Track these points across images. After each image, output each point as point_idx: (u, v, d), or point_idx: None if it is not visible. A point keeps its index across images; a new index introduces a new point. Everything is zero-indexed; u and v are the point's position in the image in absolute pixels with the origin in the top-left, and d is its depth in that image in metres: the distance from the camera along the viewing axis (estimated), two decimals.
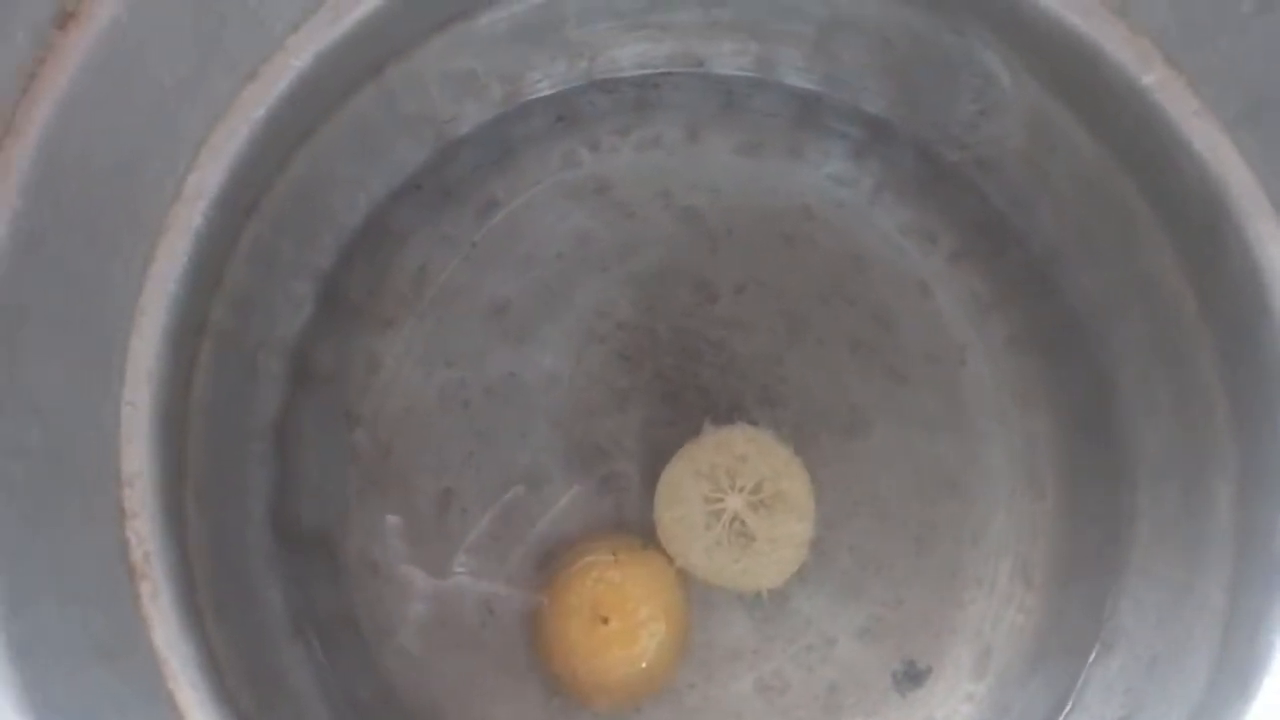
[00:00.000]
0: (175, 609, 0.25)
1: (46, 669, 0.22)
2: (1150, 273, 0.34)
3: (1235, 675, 0.29)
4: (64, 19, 0.24)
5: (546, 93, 0.38)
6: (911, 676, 0.36)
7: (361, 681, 0.35)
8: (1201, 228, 0.30)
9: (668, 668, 0.34)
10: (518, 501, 0.36)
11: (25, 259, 0.23)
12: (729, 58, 0.38)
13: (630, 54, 0.38)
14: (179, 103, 0.26)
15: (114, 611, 0.24)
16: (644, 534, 0.35)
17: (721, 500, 0.34)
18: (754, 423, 0.36)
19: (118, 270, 0.26)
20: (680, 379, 0.37)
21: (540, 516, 0.36)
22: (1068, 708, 0.34)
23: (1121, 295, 0.35)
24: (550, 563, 0.35)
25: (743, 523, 0.34)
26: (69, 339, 0.25)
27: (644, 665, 0.33)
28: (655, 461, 0.35)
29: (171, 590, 0.25)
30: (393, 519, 0.36)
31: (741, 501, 0.34)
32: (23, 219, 0.23)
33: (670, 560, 0.34)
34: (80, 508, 0.25)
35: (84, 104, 0.24)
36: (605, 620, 0.33)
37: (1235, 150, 0.28)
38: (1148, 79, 0.29)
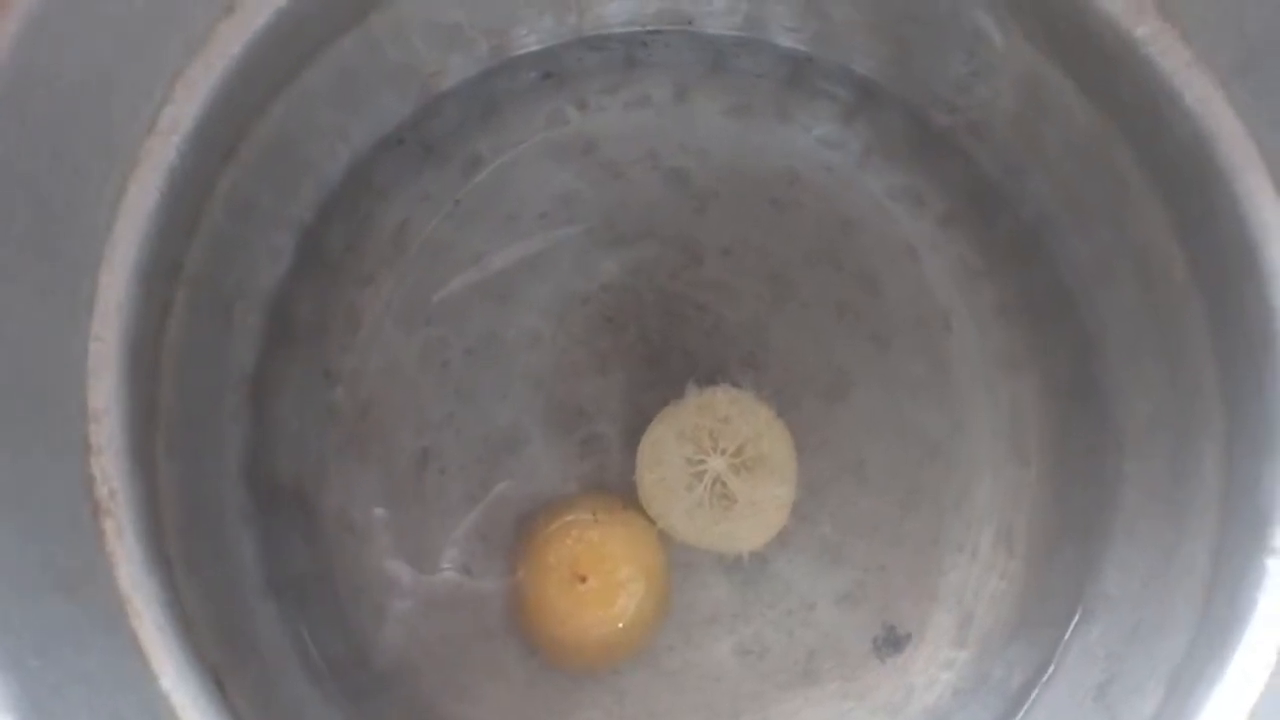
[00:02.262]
0: (140, 548, 0.24)
1: (2, 597, 0.21)
2: (1140, 237, 0.33)
3: (1215, 636, 0.28)
4: None
5: (534, 48, 0.37)
6: (892, 642, 0.35)
7: (335, 640, 0.34)
8: (1192, 186, 0.30)
9: (646, 629, 0.34)
10: (504, 479, 0.35)
11: None
12: (719, 16, 0.37)
13: (619, 10, 0.37)
14: (153, 29, 0.26)
15: (76, 547, 0.24)
16: (625, 496, 0.35)
17: (703, 462, 0.34)
18: (737, 386, 0.35)
19: (88, 199, 0.25)
20: (664, 341, 0.37)
21: (524, 486, 0.36)
22: (1048, 672, 0.34)
23: (1111, 260, 0.35)
24: (528, 523, 0.35)
25: (724, 485, 0.34)
26: (35, 265, 0.24)
27: (622, 626, 0.33)
28: (637, 424, 0.35)
29: (136, 529, 0.25)
30: (374, 498, 0.35)
31: (724, 463, 0.34)
32: None
33: (651, 521, 0.34)
34: (43, 439, 0.24)
35: (53, 19, 0.23)
36: (583, 579, 0.33)
37: (1228, 103, 0.28)
38: (1140, 30, 0.29)
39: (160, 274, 0.28)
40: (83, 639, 0.23)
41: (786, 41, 0.38)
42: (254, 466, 0.34)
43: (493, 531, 0.35)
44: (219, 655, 0.28)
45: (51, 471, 0.24)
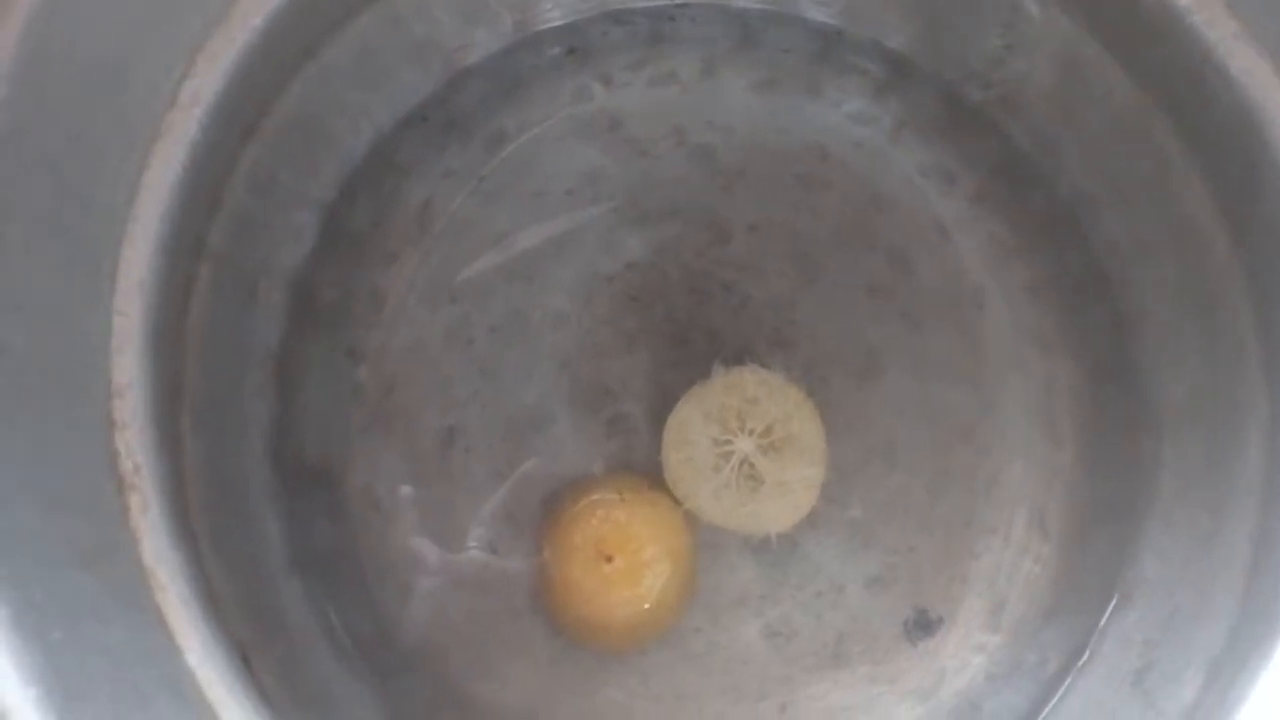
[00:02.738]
0: (165, 523, 0.24)
1: (25, 570, 0.21)
2: (1181, 214, 0.33)
3: (1258, 627, 0.28)
4: None
5: (558, 23, 0.37)
6: (923, 626, 0.35)
7: (361, 618, 0.34)
8: (1236, 161, 0.29)
9: (673, 610, 0.33)
10: (529, 458, 0.35)
11: (8, 150, 0.22)
12: None
13: None
14: (174, 2, 0.25)
15: (100, 521, 0.24)
16: (651, 477, 0.34)
17: (731, 442, 0.33)
18: (764, 366, 0.35)
19: (108, 174, 0.25)
20: (690, 320, 0.36)
21: (549, 465, 0.35)
22: (1084, 658, 0.33)
23: (1150, 238, 0.34)
24: (553, 503, 0.35)
25: (752, 465, 0.33)
26: (56, 241, 0.24)
27: (648, 606, 0.32)
28: (663, 404, 0.35)
29: (161, 505, 0.24)
30: (399, 477, 0.35)
31: (751, 444, 0.33)
32: (4, 108, 0.22)
33: (677, 502, 0.33)
34: (66, 414, 0.24)
35: None
36: (609, 559, 0.32)
37: (1276, 75, 0.27)
38: (1185, 0, 0.28)
39: (183, 250, 0.28)
40: (106, 613, 0.23)
41: (817, 15, 0.37)
42: (279, 444, 0.34)
43: (518, 510, 0.35)
44: (245, 631, 0.28)
45: (75, 447, 0.24)
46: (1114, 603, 0.33)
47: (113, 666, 0.22)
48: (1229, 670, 0.28)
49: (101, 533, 0.23)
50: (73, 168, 0.24)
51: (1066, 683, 0.33)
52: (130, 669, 0.22)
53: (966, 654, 0.35)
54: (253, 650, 0.27)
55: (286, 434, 0.34)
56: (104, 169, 0.25)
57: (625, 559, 0.32)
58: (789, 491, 0.33)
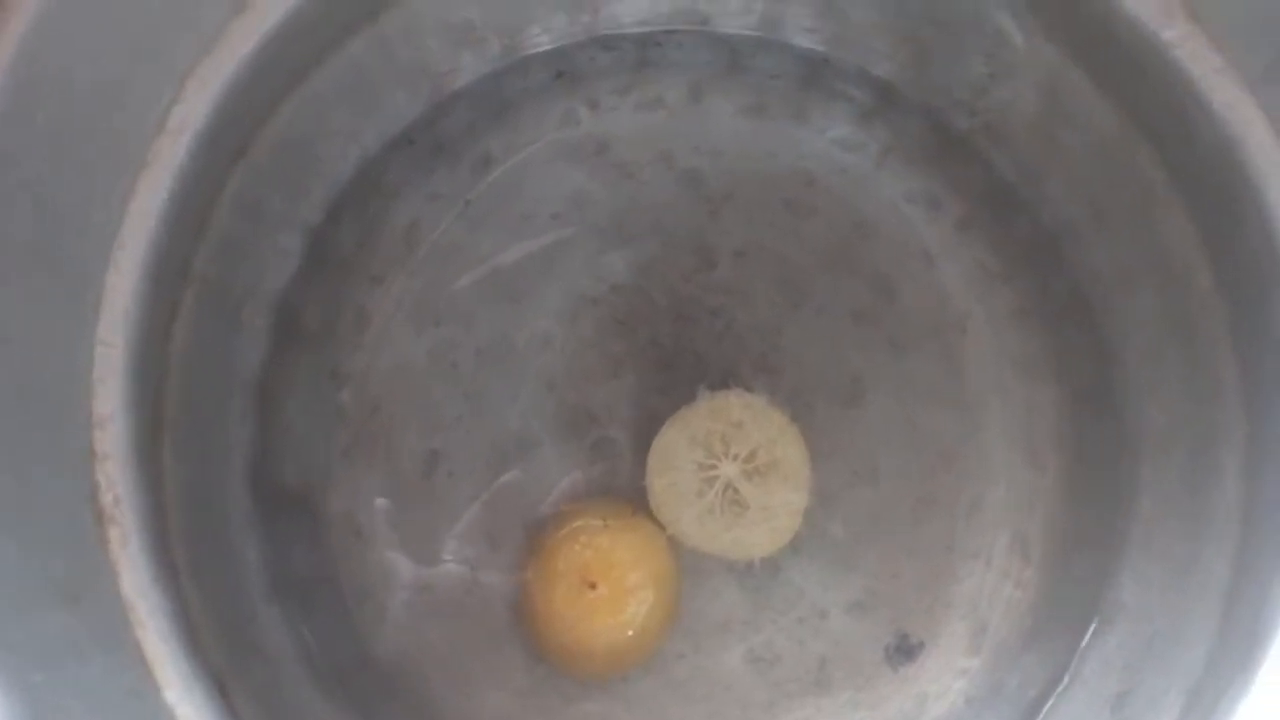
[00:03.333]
0: (145, 556, 0.24)
1: (3, 610, 0.21)
2: (1163, 243, 0.33)
3: (1237, 650, 0.28)
4: None
5: (546, 47, 0.37)
6: (904, 651, 0.35)
7: (341, 645, 0.34)
8: (1219, 193, 0.30)
9: (656, 636, 0.33)
10: (513, 482, 0.35)
11: None
12: (734, 16, 0.37)
13: (632, 9, 0.37)
14: (163, 28, 0.25)
15: (79, 556, 0.23)
16: (635, 502, 0.34)
17: (715, 467, 0.33)
18: (750, 390, 0.35)
19: (95, 202, 0.25)
20: (676, 345, 0.36)
21: (533, 490, 0.35)
22: (1063, 683, 0.33)
23: (1132, 267, 0.34)
24: (537, 529, 0.35)
25: (736, 490, 0.33)
26: (40, 269, 0.24)
27: (631, 633, 0.32)
28: (648, 428, 0.35)
29: (142, 537, 0.24)
30: (381, 501, 0.35)
31: (735, 469, 0.33)
32: None
33: (661, 527, 0.33)
34: (47, 446, 0.24)
35: (63, 21, 0.23)
36: (592, 586, 0.32)
37: (1257, 109, 0.27)
38: (1168, 34, 0.28)
39: (168, 276, 0.28)
40: (85, 652, 0.23)
41: (803, 42, 0.37)
42: (260, 469, 0.33)
43: (500, 535, 0.35)
44: (223, 660, 0.28)
45: (54, 481, 0.24)
46: (1094, 627, 0.34)
47: (94, 707, 0.22)
48: (1208, 696, 0.28)
49: (80, 568, 0.23)
50: (58, 195, 0.24)
51: (1046, 707, 0.34)
52: (113, 710, 0.22)
53: (948, 679, 0.35)
54: (230, 679, 0.27)
55: (267, 459, 0.34)
56: (90, 196, 0.25)
57: (609, 586, 0.32)
58: (773, 516, 0.33)
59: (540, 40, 0.37)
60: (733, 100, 0.38)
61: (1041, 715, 0.34)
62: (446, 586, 0.35)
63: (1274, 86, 0.28)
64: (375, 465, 0.35)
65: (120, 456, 0.24)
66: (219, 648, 0.28)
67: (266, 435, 0.34)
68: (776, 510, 0.33)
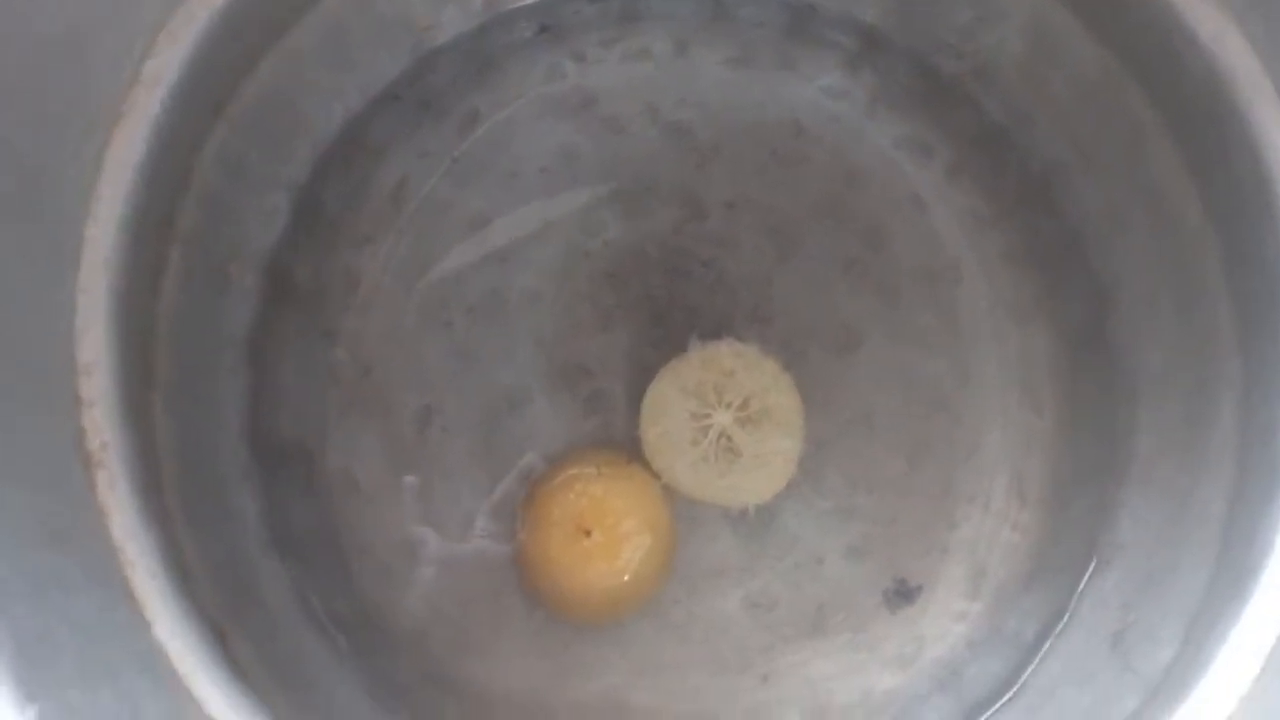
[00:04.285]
0: (134, 499, 0.24)
1: None
2: (1154, 181, 0.33)
3: (1231, 581, 0.28)
4: None
5: (529, 1, 0.37)
6: (902, 594, 0.35)
7: (340, 598, 0.34)
8: (1207, 126, 0.29)
9: (652, 582, 0.33)
10: (507, 435, 0.35)
11: None
12: None
13: None
14: None
15: (67, 499, 0.24)
16: (629, 451, 0.34)
17: (708, 416, 0.33)
18: (742, 340, 0.35)
19: (69, 155, 0.25)
20: (668, 297, 0.36)
21: (528, 443, 0.35)
22: (1062, 623, 0.33)
23: (1124, 206, 0.34)
24: (532, 479, 0.35)
25: (729, 439, 0.33)
26: (19, 220, 0.24)
27: (626, 579, 0.32)
28: (641, 381, 0.35)
29: (130, 481, 0.24)
30: (376, 456, 0.35)
31: (729, 417, 0.33)
32: None
33: (655, 476, 0.33)
34: (32, 392, 0.24)
35: None
36: (587, 533, 0.32)
37: (1243, 39, 0.27)
38: None
39: (150, 231, 0.28)
40: (74, 587, 0.23)
41: None
42: (255, 425, 0.34)
43: (496, 486, 0.35)
44: (220, 607, 0.28)
45: (42, 425, 0.24)
46: (1092, 567, 0.33)
47: (81, 642, 0.22)
48: (1204, 628, 0.28)
49: (69, 510, 0.23)
50: (33, 150, 0.24)
51: (1046, 647, 0.34)
52: (98, 643, 0.22)
53: (946, 622, 0.35)
54: (229, 626, 0.27)
55: (262, 414, 0.34)
56: (64, 150, 0.25)
57: (603, 533, 0.32)
58: (766, 463, 0.33)
59: None
60: (718, 51, 0.38)
61: (1041, 654, 0.34)
62: (444, 539, 0.35)
63: (1260, 15, 0.27)
64: (370, 421, 0.35)
65: (106, 403, 0.25)
66: (216, 595, 0.28)
67: (260, 391, 0.34)
68: (770, 457, 0.33)
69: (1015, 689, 0.34)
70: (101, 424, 0.24)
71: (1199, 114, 0.30)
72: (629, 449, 0.34)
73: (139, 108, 0.26)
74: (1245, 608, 0.26)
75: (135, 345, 0.27)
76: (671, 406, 0.34)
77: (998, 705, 0.34)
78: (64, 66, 0.25)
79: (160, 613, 0.23)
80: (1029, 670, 0.33)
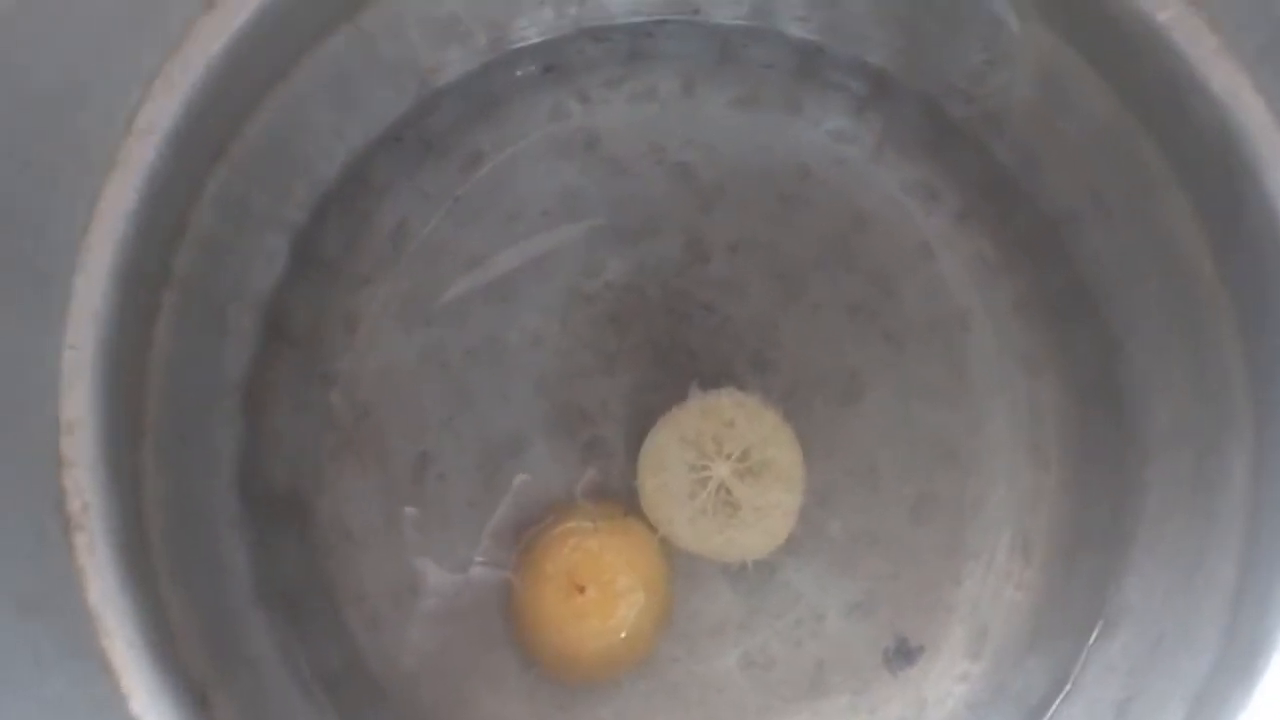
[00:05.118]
0: (114, 563, 0.24)
1: None
2: (1165, 233, 0.32)
3: (1243, 653, 0.27)
4: None
5: (534, 40, 0.36)
6: (904, 654, 0.34)
7: (330, 652, 0.33)
8: (1219, 178, 0.29)
9: (648, 640, 0.33)
10: (504, 484, 0.35)
11: None
12: (726, 5, 0.36)
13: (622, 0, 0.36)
14: (127, 27, 0.25)
15: (44, 564, 0.23)
16: (627, 502, 0.34)
17: (707, 468, 0.33)
18: (744, 388, 0.34)
19: (61, 205, 0.25)
20: (670, 342, 0.36)
21: (524, 491, 0.35)
22: (1066, 689, 0.33)
23: (1135, 257, 0.33)
24: (526, 530, 0.34)
25: (728, 491, 0.33)
26: (5, 271, 0.23)
27: (622, 636, 0.32)
28: (641, 426, 0.34)
29: (111, 545, 0.24)
30: (372, 505, 0.34)
31: (728, 469, 0.33)
32: None
33: (652, 529, 0.33)
34: (10, 451, 0.23)
35: (20, 20, 0.22)
36: (582, 589, 0.32)
37: (1255, 91, 0.27)
38: (1164, 15, 0.27)
39: (144, 279, 0.28)
40: (46, 662, 0.22)
41: (796, 31, 0.36)
42: (247, 473, 0.33)
43: (492, 537, 0.34)
44: (206, 668, 0.27)
45: (20, 486, 0.24)
46: (1098, 630, 0.33)
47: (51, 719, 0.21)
48: (1213, 703, 0.27)
49: (45, 577, 0.23)
50: (23, 199, 0.24)
51: (1049, 712, 0.33)
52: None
53: (948, 683, 0.34)
54: (213, 688, 0.26)
55: (255, 463, 0.33)
56: (56, 199, 0.25)
57: (599, 590, 0.32)
58: (766, 517, 0.33)
59: (528, 33, 0.36)
60: (726, 92, 0.37)
61: None
62: (438, 590, 0.34)
63: (1271, 66, 0.27)
64: (366, 468, 0.35)
65: (88, 463, 0.24)
66: (201, 656, 0.27)
67: (254, 439, 0.34)
68: (770, 511, 0.33)
69: None
70: (83, 484, 0.24)
71: (1210, 165, 0.29)
72: (626, 500, 0.34)
73: (133, 157, 0.26)
74: (1255, 687, 0.25)
75: (124, 398, 0.26)
76: (670, 458, 0.33)
77: None
78: (59, 114, 0.24)
79: (138, 685, 0.23)
80: None
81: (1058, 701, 0.33)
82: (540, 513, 0.34)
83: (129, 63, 0.26)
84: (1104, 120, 0.32)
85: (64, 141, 0.25)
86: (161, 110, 0.26)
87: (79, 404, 0.24)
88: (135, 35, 0.26)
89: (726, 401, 0.33)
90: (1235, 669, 0.27)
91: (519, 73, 0.37)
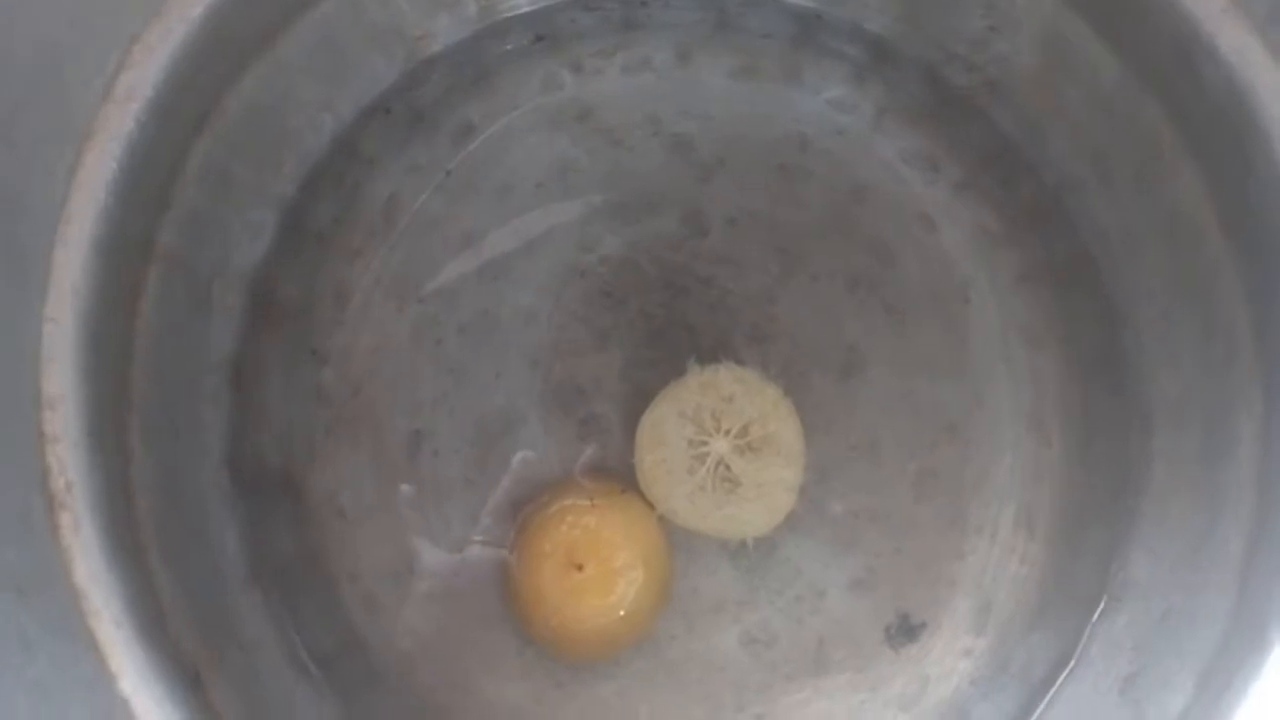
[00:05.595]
0: (101, 541, 0.23)
1: None
2: (1171, 202, 0.31)
3: (1250, 630, 0.27)
4: None
5: (525, 9, 0.35)
6: (905, 630, 0.34)
7: (323, 631, 0.33)
8: (1228, 143, 0.28)
9: (647, 618, 0.32)
10: (499, 461, 0.34)
11: None
12: None
13: None
14: None
15: (27, 543, 0.23)
16: (624, 479, 0.33)
17: (706, 443, 0.32)
18: (742, 363, 0.33)
19: (40, 175, 0.24)
20: (666, 317, 0.35)
21: (520, 469, 0.34)
22: (1071, 664, 0.32)
23: (1140, 227, 0.33)
24: (523, 508, 0.33)
25: (728, 467, 0.32)
26: None
27: (621, 614, 0.31)
28: (637, 403, 0.33)
29: (97, 522, 0.23)
30: (365, 482, 0.34)
31: (727, 445, 0.32)
32: None
33: (651, 506, 0.32)
34: None
35: None
36: (580, 567, 0.31)
37: (1265, 52, 0.26)
38: None
39: (126, 251, 0.27)
40: (31, 643, 0.22)
41: None
42: (237, 450, 0.33)
43: (487, 515, 0.34)
44: (198, 647, 0.27)
45: (2, 464, 0.23)
46: (1103, 605, 0.32)
47: (38, 701, 0.21)
48: (1220, 678, 0.27)
49: (29, 556, 0.22)
50: (1, 168, 0.23)
51: (1054, 688, 0.32)
52: (59, 704, 0.21)
53: (951, 659, 0.33)
54: (206, 668, 0.26)
55: (245, 440, 0.33)
56: (35, 170, 0.24)
57: (596, 567, 0.31)
58: (766, 494, 0.32)
59: (519, 2, 0.35)
60: (722, 61, 0.36)
61: (1049, 696, 0.32)
62: (433, 569, 0.34)
63: None
64: (358, 445, 0.34)
65: (72, 439, 0.23)
66: (193, 636, 0.27)
67: (244, 416, 0.33)
68: (770, 487, 0.32)
69: None
70: (67, 461, 0.23)
71: (1219, 130, 0.29)
72: (624, 477, 0.33)
73: (112, 125, 0.25)
74: (1265, 661, 0.25)
75: (108, 374, 0.26)
76: (668, 433, 0.32)
77: None
78: (36, 82, 0.24)
79: (124, 665, 0.22)
80: (1036, 712, 0.32)
81: (1062, 677, 0.32)
82: (537, 490, 0.34)
83: (106, 29, 0.25)
84: (1108, 86, 0.31)
85: (42, 110, 0.24)
86: (141, 77, 0.25)
87: (60, 379, 0.23)
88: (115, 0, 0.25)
89: (726, 376, 0.33)
90: (1245, 643, 0.26)
91: (510, 42, 0.36)
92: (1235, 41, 0.26)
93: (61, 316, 0.24)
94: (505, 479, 0.34)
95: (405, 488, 0.34)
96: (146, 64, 0.25)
